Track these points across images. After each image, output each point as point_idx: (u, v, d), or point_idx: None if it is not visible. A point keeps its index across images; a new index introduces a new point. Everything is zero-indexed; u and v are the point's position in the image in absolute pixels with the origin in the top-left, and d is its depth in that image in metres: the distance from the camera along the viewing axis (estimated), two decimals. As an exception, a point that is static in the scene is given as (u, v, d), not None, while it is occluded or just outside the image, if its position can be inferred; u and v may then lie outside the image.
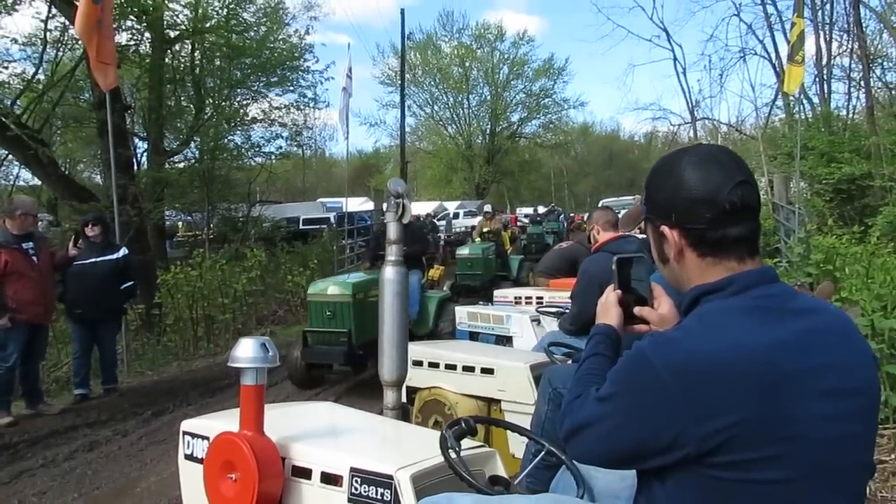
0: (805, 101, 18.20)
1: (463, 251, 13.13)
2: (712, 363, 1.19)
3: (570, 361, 3.35)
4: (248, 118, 17.69)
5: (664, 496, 1.28)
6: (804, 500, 1.19)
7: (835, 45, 18.40)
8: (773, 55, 20.07)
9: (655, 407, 1.22)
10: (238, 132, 17.80)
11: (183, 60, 16.36)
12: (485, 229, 13.52)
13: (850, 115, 18.30)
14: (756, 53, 21.09)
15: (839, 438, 1.21)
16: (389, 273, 2.66)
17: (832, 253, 9.02)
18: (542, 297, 6.56)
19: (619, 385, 1.29)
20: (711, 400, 1.17)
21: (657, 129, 29.11)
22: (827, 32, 18.30)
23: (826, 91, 18.29)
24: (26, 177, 17.73)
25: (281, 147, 19.37)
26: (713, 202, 1.29)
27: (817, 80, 18.33)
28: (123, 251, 6.82)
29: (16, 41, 13.51)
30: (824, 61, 18.09)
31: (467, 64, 40.93)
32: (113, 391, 6.81)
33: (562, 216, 24.94)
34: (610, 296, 1.58)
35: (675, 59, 23.68)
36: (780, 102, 20.33)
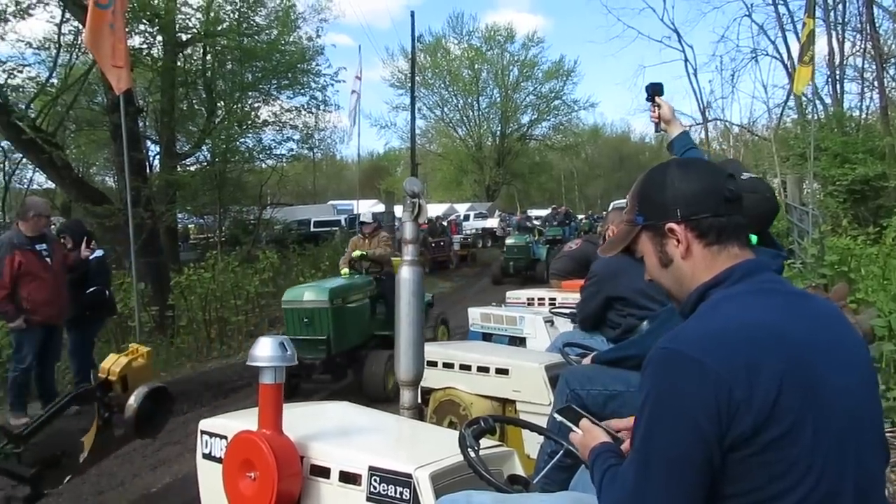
0: (818, 102, 18.11)
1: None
2: (736, 331, 1.25)
3: (584, 361, 3.33)
4: (260, 121, 17.77)
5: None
6: (832, 468, 1.21)
7: (848, 45, 18.30)
8: (784, 56, 19.95)
9: (701, 389, 1.20)
10: (249, 135, 17.90)
11: (195, 63, 16.45)
12: (355, 253, 7.66)
13: (864, 116, 18.20)
14: (768, 54, 20.98)
15: (858, 408, 1.27)
16: (406, 273, 2.66)
17: (847, 254, 8.95)
18: (554, 299, 6.55)
19: (652, 397, 1.26)
20: (748, 361, 1.20)
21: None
22: (840, 32, 18.20)
23: (839, 91, 18.17)
24: (40, 180, 17.92)
25: (292, 150, 19.46)
26: (714, 192, 1.40)
27: (830, 80, 18.23)
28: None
29: (30, 45, 13.63)
30: (837, 61, 17.98)
31: (477, 66, 40.96)
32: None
33: (578, 220, 24.65)
34: (583, 427, 1.58)
35: (685, 59, 23.54)
36: (792, 103, 20.21)
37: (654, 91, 2.83)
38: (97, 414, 4.98)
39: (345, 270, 7.46)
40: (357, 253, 7.49)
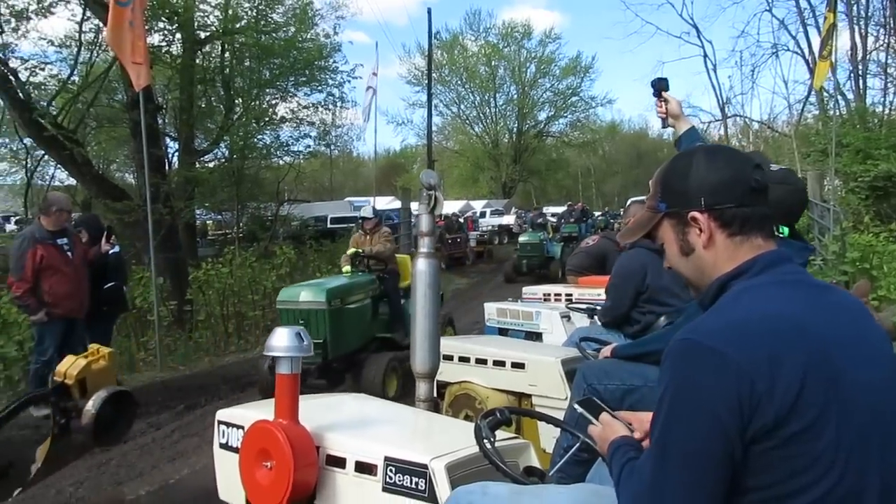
0: (840, 97, 17.86)
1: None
2: (757, 322, 1.22)
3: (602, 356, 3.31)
4: (277, 118, 17.87)
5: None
6: (855, 464, 1.19)
7: (871, 39, 18.05)
8: (805, 51, 19.70)
9: (722, 381, 1.17)
10: (267, 132, 18.01)
11: (213, 61, 16.58)
12: (350, 250, 7.34)
13: (887, 111, 17.90)
14: (789, 49, 20.74)
15: (881, 403, 1.23)
16: (422, 265, 2.66)
17: (868, 251, 8.85)
18: (571, 294, 6.52)
19: (671, 389, 1.24)
20: (770, 353, 1.18)
21: (692, 126, 28.64)
22: (862, 27, 17.95)
23: (861, 86, 17.92)
24: (62, 177, 18.12)
25: (309, 146, 19.58)
26: (740, 181, 1.36)
27: (852, 75, 17.99)
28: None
29: (52, 43, 13.81)
30: (860, 56, 17.73)
31: (494, 63, 40.90)
32: None
33: (595, 217, 24.22)
34: (603, 421, 1.55)
35: (705, 55, 23.39)
36: (813, 99, 19.95)
37: (660, 86, 2.81)
38: (53, 421, 4.81)
39: (346, 268, 7.06)
40: (351, 250, 7.15)
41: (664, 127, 2.87)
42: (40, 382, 5.88)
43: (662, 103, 2.79)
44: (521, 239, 17.67)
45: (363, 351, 6.51)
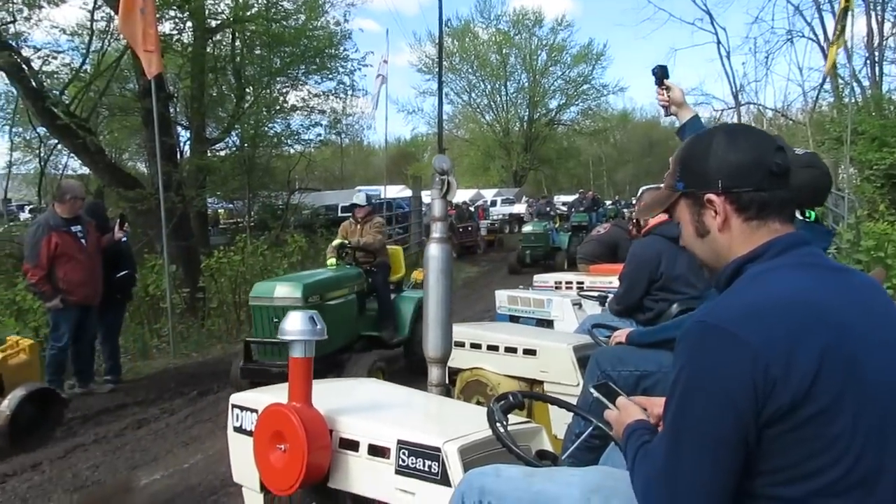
0: (855, 84, 17.65)
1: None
2: (773, 305, 1.21)
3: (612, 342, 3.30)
4: (288, 106, 17.87)
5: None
6: (873, 447, 1.18)
7: (887, 25, 17.83)
8: (821, 37, 19.46)
9: (736, 364, 1.17)
10: (278, 120, 18.01)
11: (224, 49, 16.57)
12: (335, 241, 6.89)
13: (904, 99, 17.68)
14: (804, 35, 20.48)
15: None
16: (434, 250, 2.67)
17: (884, 240, 8.76)
18: (582, 282, 6.51)
19: (685, 372, 1.24)
20: (786, 336, 1.17)
21: (699, 114, 28.44)
22: (879, 13, 17.71)
23: (877, 73, 17.70)
24: (75, 165, 18.24)
25: (319, 135, 19.56)
26: (760, 165, 1.32)
27: (868, 62, 17.76)
28: None
29: (64, 31, 13.85)
30: (876, 42, 17.50)
31: (505, 50, 40.66)
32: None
33: (606, 206, 23.88)
34: (620, 405, 1.56)
35: (718, 42, 23.06)
36: (828, 86, 19.70)
37: (661, 74, 2.72)
38: None
39: (331, 261, 6.54)
40: (337, 241, 6.65)
41: (666, 115, 2.79)
42: (57, 368, 5.95)
43: (664, 91, 2.71)
44: (525, 229, 16.93)
45: (347, 350, 6.05)
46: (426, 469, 1.91)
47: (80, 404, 5.85)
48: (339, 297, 6.06)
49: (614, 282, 4.32)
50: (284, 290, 5.57)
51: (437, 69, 28.18)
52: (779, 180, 1.33)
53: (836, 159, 13.53)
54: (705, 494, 1.20)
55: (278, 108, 17.58)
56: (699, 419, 1.20)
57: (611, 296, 4.35)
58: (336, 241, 6.67)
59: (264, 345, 5.63)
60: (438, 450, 1.89)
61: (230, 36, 16.27)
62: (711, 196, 1.36)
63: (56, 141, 13.63)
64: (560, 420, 3.35)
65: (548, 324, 5.57)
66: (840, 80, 17.08)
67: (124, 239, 6.65)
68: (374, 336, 6.45)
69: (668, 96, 2.71)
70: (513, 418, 2.07)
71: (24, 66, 10.77)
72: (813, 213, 2.56)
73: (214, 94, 16.35)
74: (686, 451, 1.21)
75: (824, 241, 2.47)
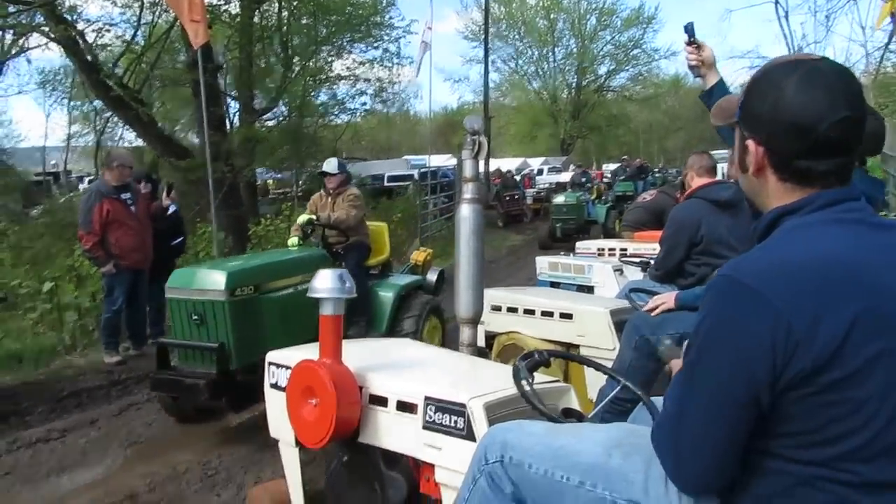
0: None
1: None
2: (804, 264, 1.16)
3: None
4: (333, 75, 17.94)
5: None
6: None
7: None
8: (888, -7, 18.42)
9: (757, 323, 1.14)
10: (323, 90, 18.10)
11: (271, 19, 16.68)
12: (300, 217, 5.78)
13: (976, 58, 16.68)
14: (869, -8, 19.43)
15: None
16: (465, 211, 2.67)
17: (948, 205, 8.36)
18: (625, 249, 6.42)
19: (706, 324, 1.22)
20: (815, 298, 1.13)
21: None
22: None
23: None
24: (129, 137, 18.75)
25: (365, 104, 19.60)
26: (808, 133, 1.22)
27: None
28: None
29: (115, 4, 14.13)
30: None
31: (553, 15, 39.74)
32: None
33: (652, 173, 23.08)
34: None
35: (776, 2, 22.09)
36: (893, 46, 18.71)
37: (691, 30, 2.48)
38: None
39: (293, 240, 5.37)
40: (303, 217, 5.50)
41: (695, 77, 2.55)
42: (112, 331, 6.20)
43: (696, 49, 2.49)
44: (557, 200, 15.39)
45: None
46: (452, 424, 1.93)
47: (134, 365, 6.08)
48: (290, 286, 4.73)
49: (658, 249, 4.25)
50: (205, 280, 4.28)
51: (483, 36, 27.85)
52: (826, 151, 1.24)
53: (900, 122, 12.89)
54: (709, 447, 1.20)
55: (324, 77, 17.66)
56: (713, 373, 1.19)
57: (653, 262, 4.28)
58: (302, 217, 5.52)
59: (184, 348, 4.39)
60: (464, 406, 1.91)
61: (276, 5, 16.35)
62: (751, 143, 1.31)
63: (111, 113, 14.01)
64: (595, 382, 3.34)
65: (588, 290, 5.53)
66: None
67: (174, 207, 6.84)
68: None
69: (700, 55, 2.50)
70: (542, 377, 2.08)
71: (79, 39, 11.06)
72: (868, 161, 2.44)
73: (262, 65, 16.51)
74: (696, 402, 1.21)
75: (878, 192, 2.36)
